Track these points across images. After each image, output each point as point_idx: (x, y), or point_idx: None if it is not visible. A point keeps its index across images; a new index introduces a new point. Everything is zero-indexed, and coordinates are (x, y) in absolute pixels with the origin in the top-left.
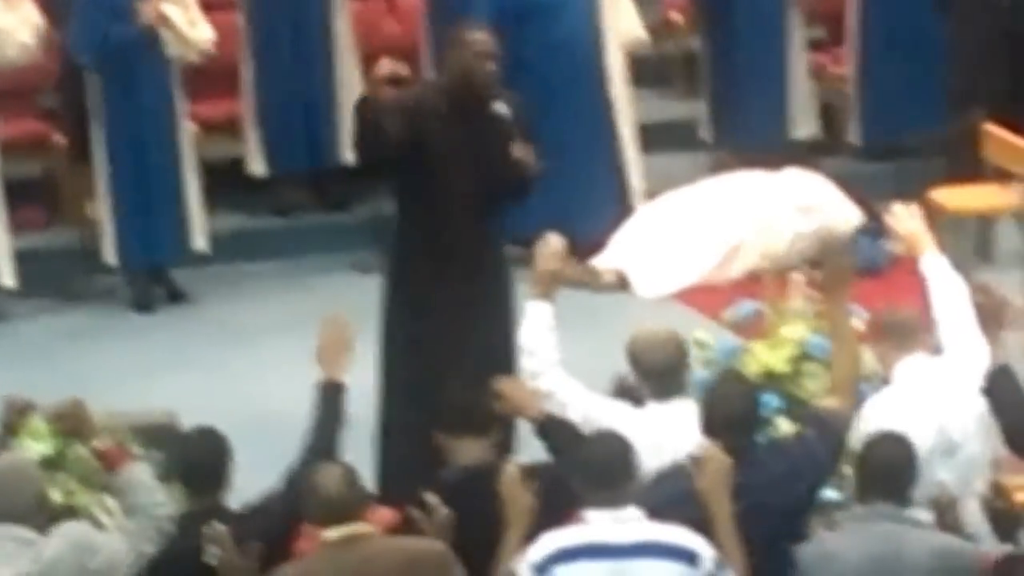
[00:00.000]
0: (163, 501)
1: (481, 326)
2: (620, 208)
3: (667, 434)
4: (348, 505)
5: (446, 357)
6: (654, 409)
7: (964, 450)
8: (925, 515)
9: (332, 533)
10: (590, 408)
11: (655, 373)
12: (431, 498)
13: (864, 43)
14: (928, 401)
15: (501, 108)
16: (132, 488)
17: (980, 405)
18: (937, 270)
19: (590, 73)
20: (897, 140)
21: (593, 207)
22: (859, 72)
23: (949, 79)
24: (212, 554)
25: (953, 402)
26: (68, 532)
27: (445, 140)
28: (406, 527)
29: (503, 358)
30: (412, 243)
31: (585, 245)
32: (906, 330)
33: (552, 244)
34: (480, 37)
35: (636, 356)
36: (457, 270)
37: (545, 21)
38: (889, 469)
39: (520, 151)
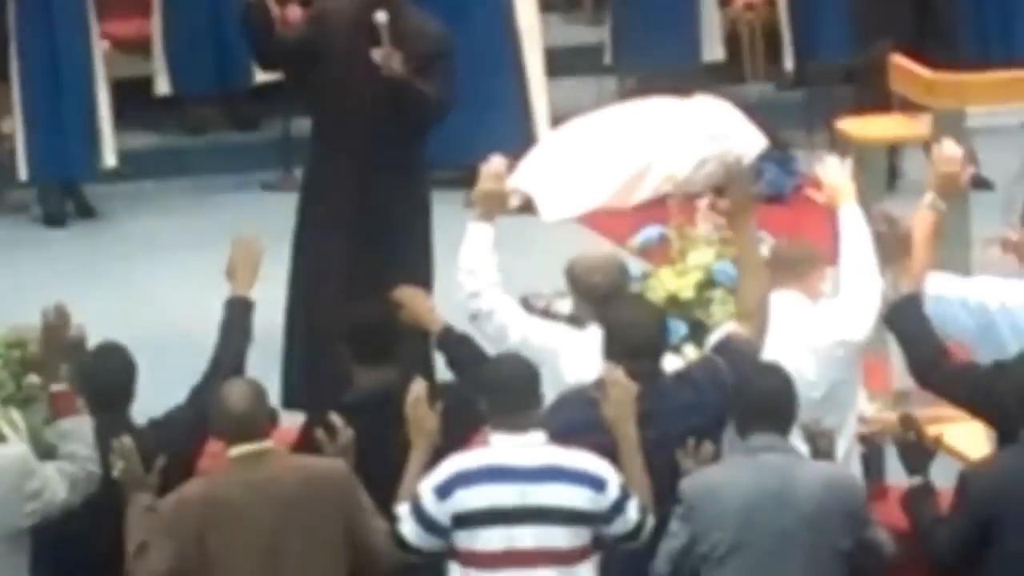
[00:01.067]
0: (96, 457)
1: (390, 241)
2: (524, 134)
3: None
4: (254, 422)
5: (350, 269)
6: (594, 332)
7: (817, 391)
8: (801, 445)
9: (237, 450)
10: (530, 329)
11: (596, 296)
12: (335, 419)
13: None
14: (788, 338)
15: (380, 17)
16: (74, 437)
17: (840, 356)
18: (852, 222)
19: (492, 2)
20: (823, 65)
21: (497, 133)
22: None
23: (857, 11)
24: (117, 467)
25: (800, 347)
26: (9, 452)
27: (344, 50)
28: (310, 446)
29: (416, 273)
30: (319, 156)
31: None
32: (794, 266)
33: (494, 165)
34: None
35: (576, 279)
36: (361, 186)
37: None
38: (770, 401)
39: (379, 55)
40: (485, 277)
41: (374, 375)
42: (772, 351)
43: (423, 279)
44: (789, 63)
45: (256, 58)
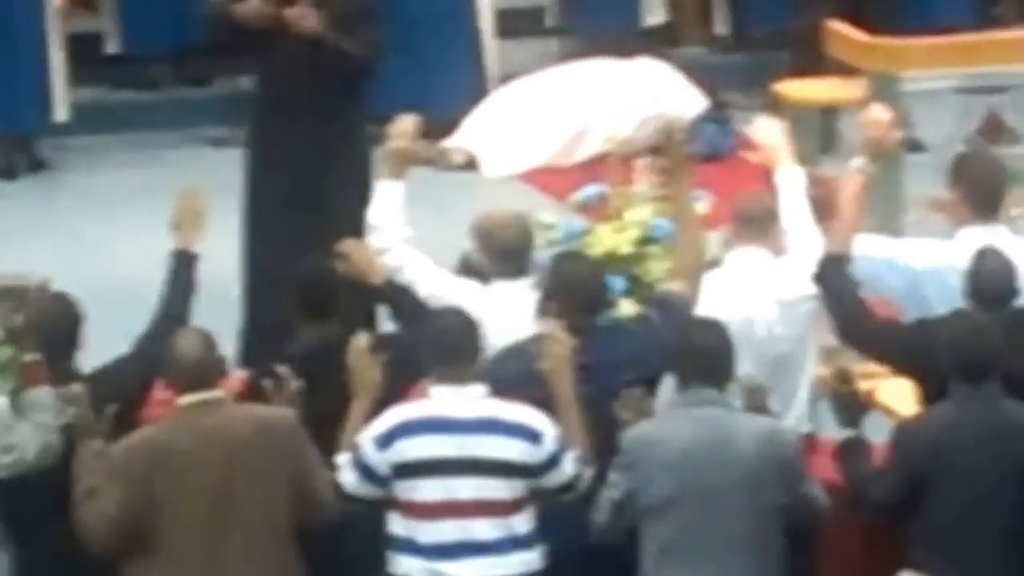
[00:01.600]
0: (56, 426)
1: (330, 196)
2: (477, 91)
3: (513, 312)
4: (205, 371)
5: (294, 224)
6: (500, 287)
7: (769, 349)
8: (736, 401)
9: (187, 399)
10: (437, 285)
11: (502, 253)
12: (282, 369)
13: None
14: (741, 293)
15: None
16: (41, 407)
17: (800, 311)
18: (790, 183)
19: None
20: (761, 30)
21: (450, 89)
22: None
23: None
24: (68, 412)
25: (768, 301)
26: None
27: (273, 14)
28: (258, 395)
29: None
30: (261, 113)
31: (441, 126)
32: (760, 223)
33: (404, 124)
34: None
35: (483, 236)
36: (301, 140)
37: None
38: (708, 355)
39: (292, 14)
40: (393, 233)
41: (317, 328)
42: (743, 306)
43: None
44: (723, 28)
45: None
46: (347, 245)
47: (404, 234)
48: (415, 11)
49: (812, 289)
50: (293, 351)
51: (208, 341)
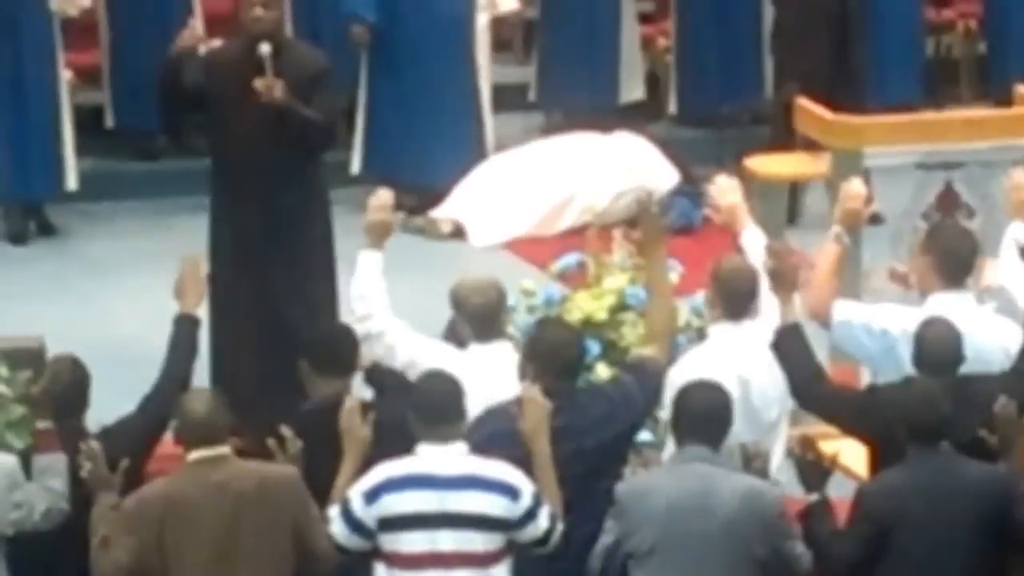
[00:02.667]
0: (67, 494)
1: (293, 266)
2: (477, 162)
3: (487, 374)
4: (214, 429)
5: (256, 297)
6: (475, 350)
7: (763, 415)
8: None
9: (196, 454)
10: (416, 348)
11: (476, 316)
12: (285, 430)
13: (683, 17)
14: (734, 365)
15: (264, 49)
16: (52, 472)
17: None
18: (756, 243)
19: (460, 33)
20: (711, 112)
21: (453, 158)
22: (679, 44)
23: (775, 53)
24: (85, 468)
25: (758, 369)
26: (4, 461)
27: (232, 85)
28: (262, 453)
29: (317, 299)
30: (222, 181)
31: (443, 192)
32: (737, 295)
33: (381, 197)
34: None
35: (459, 300)
36: (253, 207)
37: None
38: (705, 414)
39: (260, 83)
40: (375, 301)
41: (332, 385)
42: (738, 377)
43: (328, 301)
44: (673, 106)
45: (164, 123)
46: None
47: (385, 301)
48: (419, 83)
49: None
50: (308, 407)
51: (216, 401)
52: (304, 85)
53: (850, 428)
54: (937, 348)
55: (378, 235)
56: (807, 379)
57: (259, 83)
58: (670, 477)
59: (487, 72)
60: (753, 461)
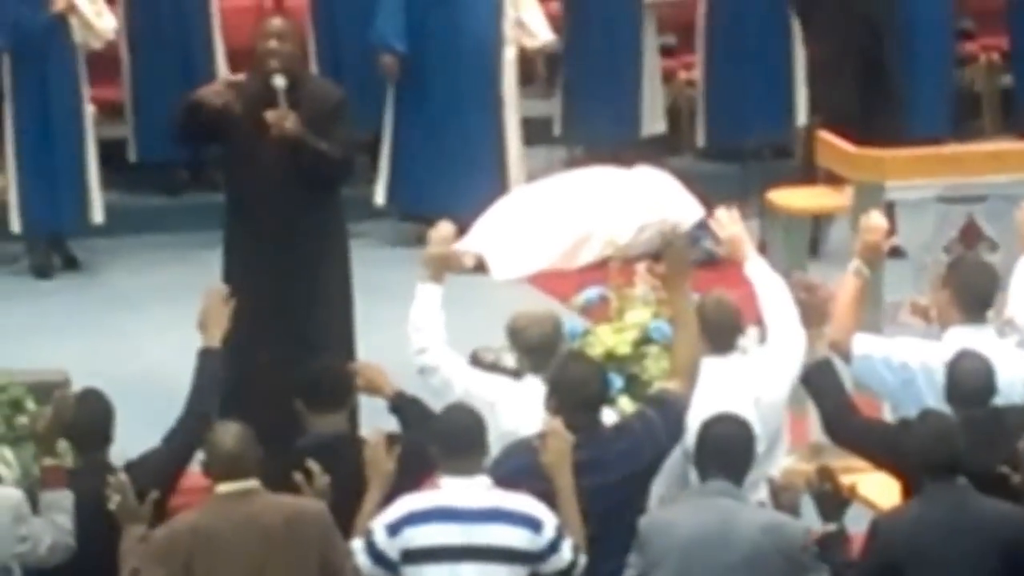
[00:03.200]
0: (72, 530)
1: (310, 298)
2: (500, 195)
3: (541, 405)
4: (243, 462)
5: (281, 320)
6: (531, 382)
7: (762, 444)
8: (763, 495)
9: (224, 487)
10: (472, 381)
11: (534, 348)
12: (312, 464)
13: (710, 50)
14: (719, 401)
15: (278, 82)
16: (58, 508)
17: (776, 404)
18: (760, 273)
19: (486, 66)
20: (738, 143)
21: (476, 192)
22: (705, 77)
23: (809, 87)
24: (113, 500)
25: (744, 407)
26: (9, 493)
27: (248, 118)
28: (288, 487)
29: (333, 330)
30: (234, 224)
31: (466, 226)
32: (716, 328)
33: (442, 230)
34: (271, 21)
35: (516, 332)
36: (268, 242)
37: (449, 11)
38: (727, 448)
39: (272, 115)
40: (432, 334)
41: (327, 421)
42: (718, 406)
43: (345, 333)
44: (702, 139)
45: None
46: (358, 365)
47: (442, 335)
48: (445, 115)
49: (784, 382)
50: (303, 444)
51: (245, 434)
52: (322, 119)
53: (881, 462)
54: (969, 380)
55: (438, 268)
56: (838, 413)
57: (271, 115)
58: (692, 511)
59: (514, 106)
60: (781, 495)
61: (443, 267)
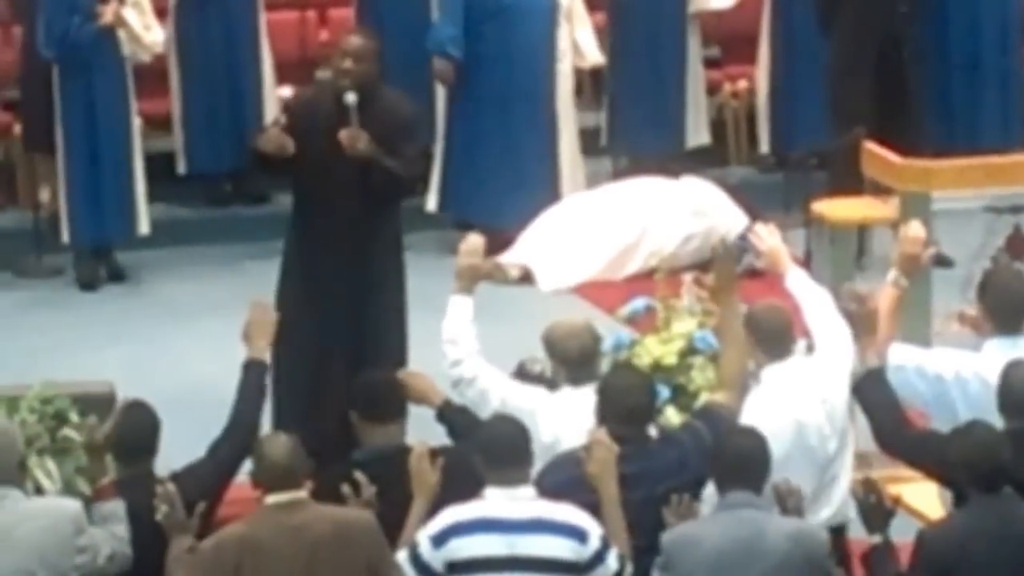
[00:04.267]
0: (129, 540)
1: (364, 312)
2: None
3: (579, 416)
4: (291, 473)
5: (326, 340)
6: (568, 393)
7: (820, 452)
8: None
9: (274, 497)
10: (508, 393)
11: (570, 360)
12: (359, 476)
13: (774, 61)
14: (788, 406)
15: (350, 99)
16: (115, 519)
17: (839, 405)
18: (801, 285)
19: (541, 76)
20: (805, 151)
21: (528, 203)
22: (769, 88)
23: (831, 97)
24: (161, 511)
25: (811, 406)
26: (69, 505)
27: (317, 135)
28: (335, 498)
29: (391, 343)
30: (299, 232)
31: (515, 236)
32: (772, 335)
33: (472, 242)
34: (350, 39)
35: (553, 343)
36: (329, 255)
37: (504, 24)
38: (743, 459)
39: (344, 135)
40: (466, 346)
41: (382, 433)
42: (792, 417)
43: (399, 345)
44: (765, 147)
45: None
46: (406, 375)
47: (475, 346)
48: (499, 125)
49: (843, 382)
50: (358, 456)
51: (295, 445)
52: (391, 135)
53: (933, 473)
54: (1018, 389)
55: (468, 280)
56: (889, 424)
57: (344, 135)
58: (717, 524)
59: (569, 117)
60: (787, 499)
61: (474, 279)
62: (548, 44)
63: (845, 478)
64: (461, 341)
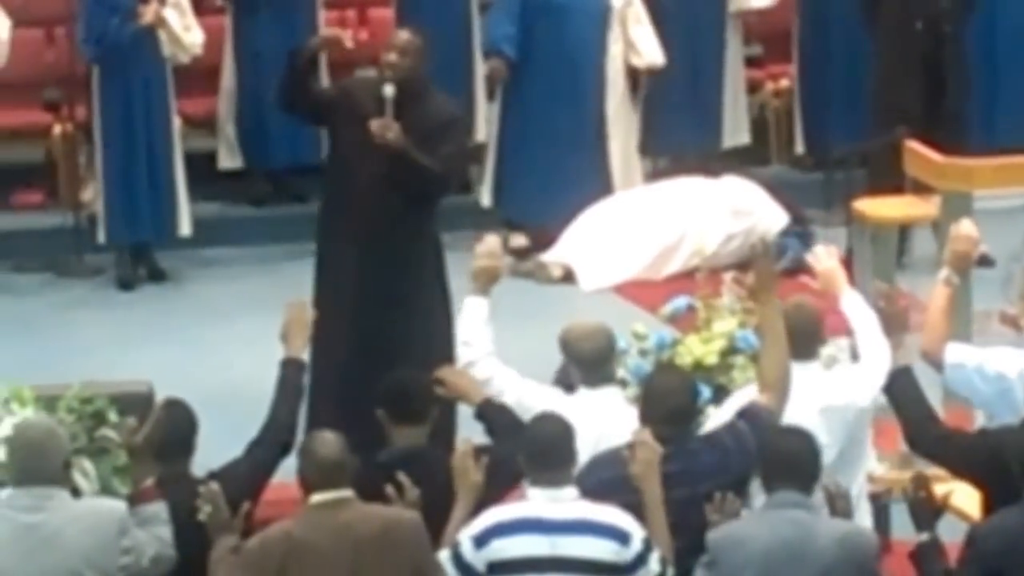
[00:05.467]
0: (171, 540)
1: (400, 311)
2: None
3: (595, 419)
4: (338, 472)
5: (361, 342)
6: (584, 395)
7: (830, 452)
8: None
9: (319, 497)
10: (523, 393)
11: (585, 361)
12: (403, 478)
13: (803, 58)
14: (800, 403)
15: (387, 91)
16: (158, 521)
17: (847, 417)
18: (855, 308)
19: (589, 79)
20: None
21: (578, 207)
22: (802, 86)
23: (871, 97)
24: (204, 511)
25: (810, 412)
26: (114, 505)
27: (353, 123)
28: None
29: (432, 342)
30: (325, 223)
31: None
32: (796, 334)
33: (489, 243)
34: (398, 34)
35: (568, 345)
36: (357, 249)
37: (556, 24)
38: (794, 460)
39: (375, 124)
40: (480, 348)
41: (409, 434)
42: (790, 413)
43: (440, 346)
44: (800, 147)
45: (280, 101)
46: (445, 372)
47: (490, 348)
48: (550, 123)
49: (858, 399)
50: (384, 458)
51: (341, 444)
52: (432, 133)
53: (962, 472)
54: None
55: (485, 281)
56: (919, 422)
57: (375, 124)
58: (764, 524)
59: (622, 117)
60: (836, 501)
61: (491, 280)
62: (599, 44)
63: (855, 490)
64: (475, 343)
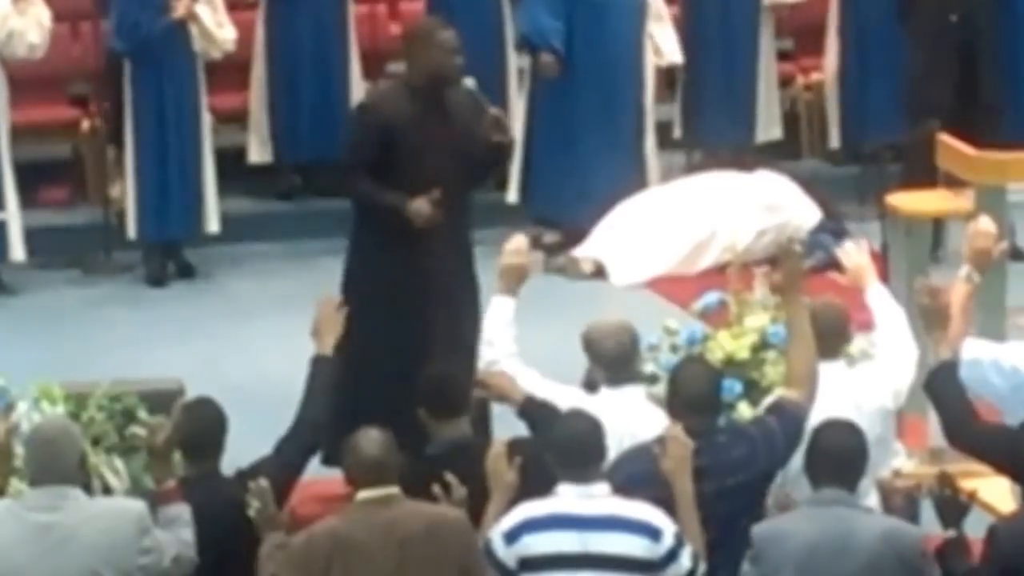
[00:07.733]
0: (193, 542)
1: (450, 308)
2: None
3: (617, 419)
4: (384, 469)
5: (402, 337)
6: (605, 394)
7: None
8: (873, 502)
9: (365, 494)
10: (546, 393)
11: (607, 360)
12: (450, 477)
13: (843, 54)
14: (834, 400)
15: (470, 83)
16: (181, 523)
17: (873, 415)
18: (880, 301)
19: (630, 74)
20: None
21: (612, 198)
22: (838, 81)
23: (906, 91)
24: (253, 507)
25: (858, 405)
26: (133, 505)
27: (417, 133)
28: (426, 496)
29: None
30: (389, 228)
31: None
32: (823, 332)
33: (516, 242)
34: (447, 35)
35: (590, 343)
36: (429, 253)
37: (596, 20)
38: (840, 455)
39: (492, 116)
40: (502, 347)
41: (451, 427)
42: (819, 412)
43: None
44: (835, 141)
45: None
46: (485, 374)
47: (512, 348)
48: (587, 119)
49: (885, 399)
50: (430, 452)
51: (388, 440)
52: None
53: (1001, 467)
54: None
55: (512, 280)
56: (958, 418)
57: (497, 113)
58: (808, 520)
59: (652, 115)
60: (893, 497)
61: (518, 280)
62: (637, 40)
63: (874, 494)
64: (498, 342)
